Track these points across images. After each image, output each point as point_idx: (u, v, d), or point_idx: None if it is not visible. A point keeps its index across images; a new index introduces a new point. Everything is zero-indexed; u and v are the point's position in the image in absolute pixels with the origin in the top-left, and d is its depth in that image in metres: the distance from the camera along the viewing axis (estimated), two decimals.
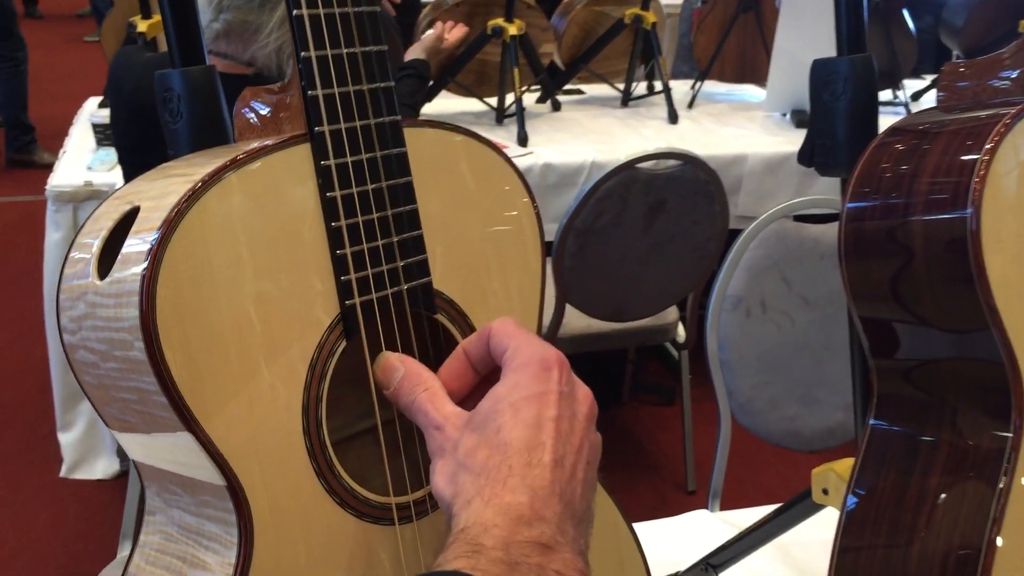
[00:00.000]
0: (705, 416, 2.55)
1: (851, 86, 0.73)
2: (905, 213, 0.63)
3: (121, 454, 2.37)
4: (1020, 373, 0.60)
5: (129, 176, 1.81)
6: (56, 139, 2.91)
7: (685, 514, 1.21)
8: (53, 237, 2.16)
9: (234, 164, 0.48)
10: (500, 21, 2.42)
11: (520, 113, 2.44)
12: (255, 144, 0.50)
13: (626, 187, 1.97)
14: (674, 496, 2.40)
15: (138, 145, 1.72)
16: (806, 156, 0.79)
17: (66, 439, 2.32)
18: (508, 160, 0.61)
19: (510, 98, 2.53)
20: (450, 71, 2.50)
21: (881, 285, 0.65)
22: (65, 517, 2.25)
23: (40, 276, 2.19)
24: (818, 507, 0.88)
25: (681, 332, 2.33)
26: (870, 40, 0.76)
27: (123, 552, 1.59)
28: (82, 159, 2.35)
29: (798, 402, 1.71)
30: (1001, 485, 0.59)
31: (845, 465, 0.83)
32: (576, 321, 2.18)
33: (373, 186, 0.53)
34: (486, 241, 0.59)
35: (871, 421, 0.66)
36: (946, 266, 0.61)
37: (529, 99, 2.74)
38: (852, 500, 0.68)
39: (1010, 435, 0.60)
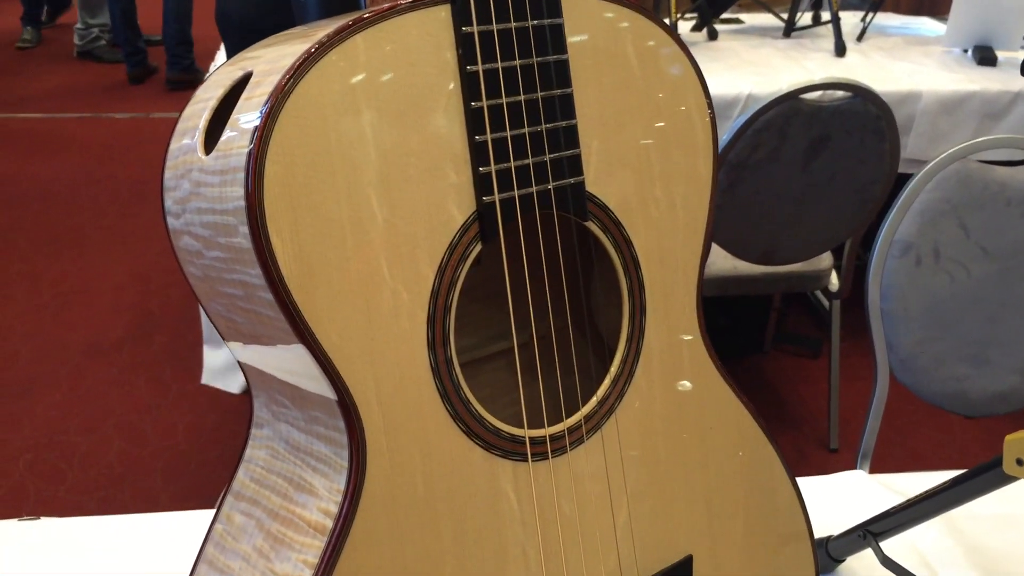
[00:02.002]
0: (852, 371, 2.40)
1: None
2: None
3: None
4: None
5: None
6: (209, 58, 2.96)
7: (839, 473, 1.10)
8: None
9: (360, 24, 0.41)
10: None
11: None
12: (387, 4, 0.42)
13: (787, 119, 1.82)
14: (815, 452, 2.27)
15: None
16: None
17: (210, 348, 2.37)
18: (684, 49, 0.51)
19: None
20: None
21: None
22: (204, 425, 2.31)
23: None
24: (1009, 479, 0.76)
25: (834, 280, 2.19)
26: None
27: None
28: None
29: (967, 362, 1.56)
30: None
31: None
32: (721, 262, 2.06)
33: (522, 62, 0.44)
34: (650, 140, 0.50)
35: None
36: None
37: (684, 27, 2.60)
38: None
39: None
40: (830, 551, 0.93)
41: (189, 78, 4.49)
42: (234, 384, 2.40)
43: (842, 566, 0.95)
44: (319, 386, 0.41)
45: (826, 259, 2.14)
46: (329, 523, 0.41)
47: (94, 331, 2.63)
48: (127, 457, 2.14)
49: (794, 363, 2.62)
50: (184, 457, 2.18)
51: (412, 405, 0.43)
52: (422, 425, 0.43)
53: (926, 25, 2.76)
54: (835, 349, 2.25)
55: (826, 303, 2.26)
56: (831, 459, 2.24)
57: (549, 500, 0.47)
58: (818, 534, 0.93)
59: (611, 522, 0.50)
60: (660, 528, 0.53)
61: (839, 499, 1.05)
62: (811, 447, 2.28)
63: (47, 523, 0.89)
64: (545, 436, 0.47)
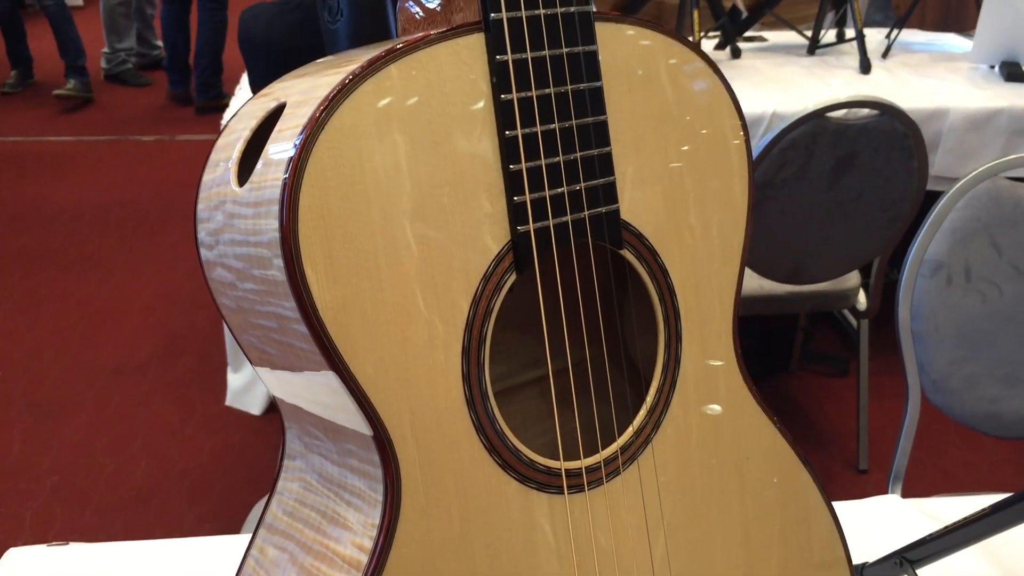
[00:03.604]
0: (880, 391, 2.37)
1: None
2: None
3: None
4: None
5: None
6: (235, 81, 2.98)
7: (872, 498, 1.08)
8: None
9: (393, 54, 0.40)
10: None
11: None
12: (420, 34, 0.42)
13: (813, 138, 1.81)
14: (843, 473, 2.25)
15: None
16: None
17: (233, 372, 2.38)
18: (718, 72, 0.50)
19: None
20: (626, 11, 2.38)
21: None
22: (229, 446, 2.32)
23: None
24: None
25: (862, 299, 2.17)
26: None
27: None
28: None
29: (1001, 382, 1.53)
30: None
31: None
32: (748, 281, 2.05)
33: (556, 90, 0.44)
34: (685, 166, 0.49)
35: None
36: None
37: (708, 45, 2.59)
38: None
39: None
40: None
41: (218, 104, 4.53)
42: (255, 406, 2.40)
43: None
44: (353, 419, 0.41)
45: (853, 278, 2.12)
46: (363, 558, 0.41)
47: (120, 352, 2.65)
48: (153, 478, 2.15)
49: (821, 383, 2.59)
50: (209, 478, 2.18)
51: (447, 438, 0.42)
52: (457, 458, 0.43)
53: (952, 41, 2.75)
54: (863, 368, 2.23)
55: (854, 322, 2.24)
56: (860, 480, 2.21)
57: (585, 533, 0.46)
58: (854, 560, 0.92)
59: (648, 555, 0.49)
60: (698, 560, 0.52)
61: (873, 524, 1.04)
62: (840, 468, 2.25)
63: (76, 548, 0.89)
64: (581, 468, 0.46)
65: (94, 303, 2.92)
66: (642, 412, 0.49)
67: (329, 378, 0.40)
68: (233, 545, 0.95)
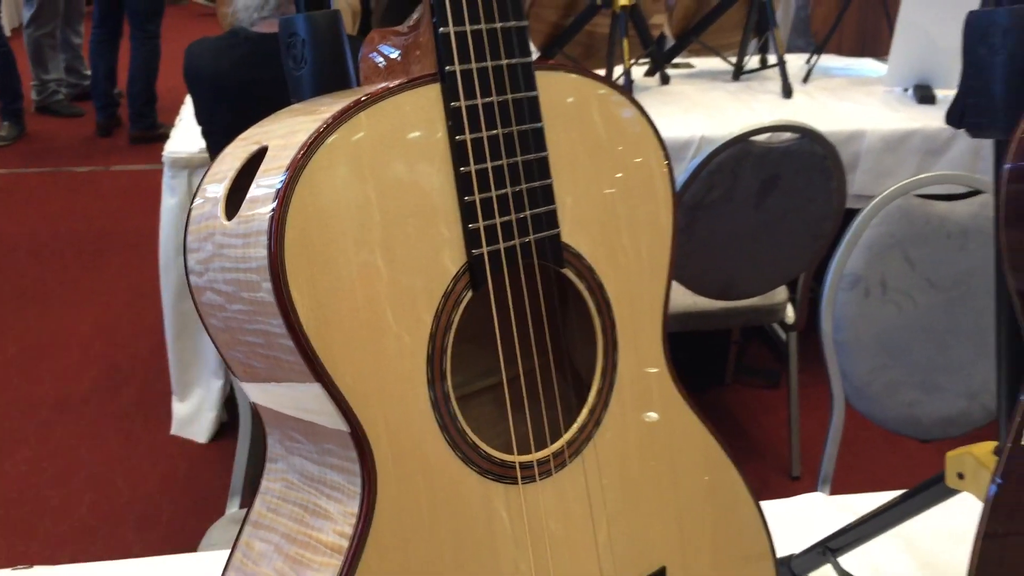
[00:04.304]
0: (811, 401, 2.48)
1: (1011, 38, 0.67)
2: None
3: (227, 413, 2.44)
4: None
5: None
6: (172, 111, 2.99)
7: (799, 496, 1.16)
8: (169, 202, 2.22)
9: (363, 103, 0.47)
10: None
11: (628, 86, 2.39)
12: (383, 84, 0.48)
13: (738, 161, 1.91)
14: (778, 480, 2.34)
15: (227, 124, 1.76)
16: (955, 116, 0.73)
17: (178, 400, 2.39)
18: (642, 110, 0.58)
19: (618, 71, 2.48)
20: (558, 42, 2.46)
21: None
22: (175, 474, 2.32)
23: (157, 241, 2.26)
24: (951, 492, 0.83)
25: (790, 313, 2.26)
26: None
27: (231, 509, 1.62)
28: (198, 126, 2.40)
29: (918, 388, 1.63)
30: None
31: (984, 448, 0.78)
32: (682, 298, 2.13)
33: (503, 130, 0.50)
34: (616, 194, 0.56)
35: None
36: None
37: (637, 72, 2.69)
38: (998, 481, 0.63)
39: None
40: (793, 569, 0.99)
41: (152, 134, 4.51)
42: (201, 434, 2.42)
43: None
44: (333, 421, 0.46)
45: (781, 293, 2.22)
46: (344, 543, 0.47)
47: (62, 385, 2.64)
48: (99, 509, 2.15)
49: (755, 394, 2.69)
50: (156, 508, 2.18)
51: (415, 436, 0.48)
52: (424, 453, 0.49)
53: (868, 66, 2.88)
54: (793, 379, 2.33)
55: (783, 335, 2.34)
56: (793, 486, 2.30)
57: (537, 519, 0.53)
58: (781, 553, 0.99)
59: (593, 537, 0.55)
60: (636, 542, 0.58)
61: (801, 520, 1.11)
62: (774, 475, 2.34)
63: (40, 572, 0.92)
64: (532, 461, 0.53)
65: (33, 337, 2.90)
66: (584, 411, 0.56)
67: (312, 385, 0.45)
68: (198, 563, 0.99)
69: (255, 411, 1.59)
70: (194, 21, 7.33)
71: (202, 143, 2.22)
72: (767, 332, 2.66)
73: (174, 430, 2.39)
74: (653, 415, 0.60)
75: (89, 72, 5.06)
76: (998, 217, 0.61)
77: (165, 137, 2.59)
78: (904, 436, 1.67)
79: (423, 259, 0.48)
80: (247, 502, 1.62)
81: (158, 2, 4.39)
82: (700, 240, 1.99)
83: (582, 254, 0.55)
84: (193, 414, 2.45)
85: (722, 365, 2.73)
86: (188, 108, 2.56)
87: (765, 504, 1.14)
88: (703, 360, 2.78)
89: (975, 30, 0.70)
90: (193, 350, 2.39)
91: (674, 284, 2.01)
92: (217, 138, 1.83)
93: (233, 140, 0.52)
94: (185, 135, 2.31)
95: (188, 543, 2.05)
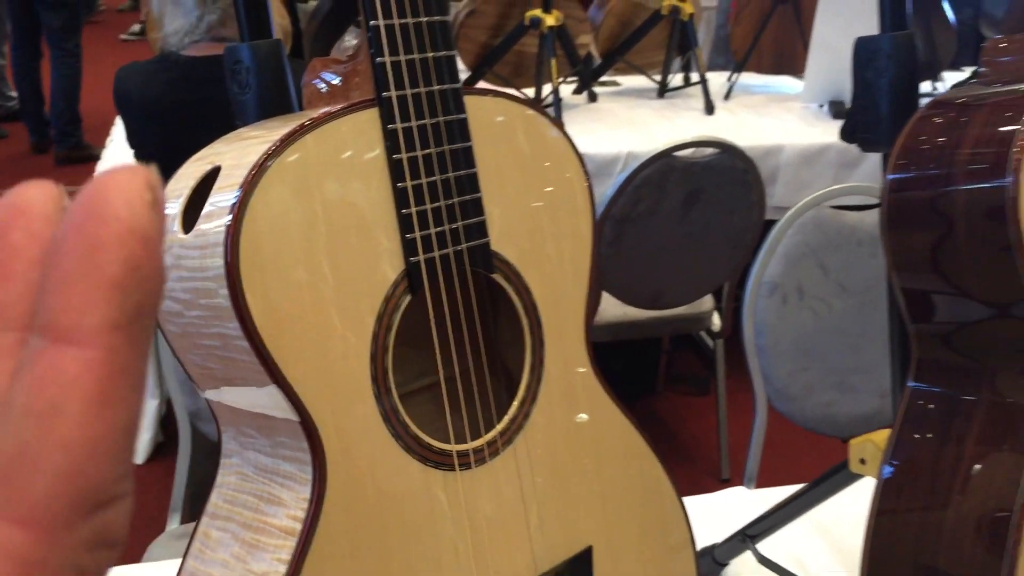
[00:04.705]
0: (739, 406, 2.57)
1: (893, 63, 0.75)
2: (946, 183, 0.65)
3: (163, 433, 2.44)
4: None
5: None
6: (101, 131, 2.98)
7: (723, 490, 1.23)
8: None
9: (309, 126, 0.51)
10: (538, 12, 2.45)
11: (557, 104, 2.46)
12: (326, 108, 0.53)
13: (663, 175, 1.98)
14: (708, 484, 2.41)
15: (159, 147, 1.78)
16: (848, 132, 0.81)
17: None
18: (561, 129, 0.63)
19: (547, 89, 2.55)
20: (488, 62, 2.53)
21: (922, 254, 0.67)
22: None
23: None
24: (855, 477, 0.90)
25: (716, 321, 2.35)
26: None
27: (172, 525, 1.63)
28: (128, 149, 2.41)
29: (834, 388, 1.72)
30: None
31: (882, 436, 0.85)
32: (613, 309, 2.20)
33: (436, 150, 0.56)
34: (540, 206, 0.62)
35: (910, 383, 0.68)
36: (986, 234, 0.63)
37: (566, 90, 2.75)
38: (890, 464, 0.70)
39: None
40: (716, 557, 1.05)
41: (79, 154, 4.45)
42: (137, 455, 2.41)
43: (727, 570, 1.07)
44: (285, 414, 0.51)
45: (708, 302, 2.31)
46: (298, 526, 0.51)
47: None
48: None
49: (685, 402, 2.77)
50: None
51: (361, 427, 0.53)
52: (370, 443, 0.54)
53: (786, 83, 2.99)
54: (721, 385, 2.41)
55: (710, 343, 2.42)
56: (723, 488, 2.38)
57: (474, 502, 0.58)
58: (706, 543, 1.06)
59: (525, 519, 0.61)
60: (564, 524, 0.64)
61: (724, 513, 1.18)
62: (704, 478, 2.42)
63: None
64: (468, 450, 0.58)
65: None
66: (515, 404, 0.61)
67: (265, 381, 0.50)
68: (144, 572, 1.02)
69: (195, 427, 1.60)
70: (119, 46, 7.25)
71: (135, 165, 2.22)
72: (695, 340, 2.75)
73: None
74: (579, 409, 0.66)
75: (14, 93, 4.98)
76: (882, 222, 0.68)
77: (94, 158, 2.58)
78: (823, 435, 1.76)
79: (365, 267, 0.53)
80: (188, 518, 1.64)
81: (74, 18, 4.34)
82: (628, 252, 2.06)
83: (510, 261, 0.60)
84: None
85: (653, 374, 2.81)
86: (119, 130, 2.56)
87: (692, 499, 1.21)
88: (635, 369, 2.86)
89: (862, 55, 0.78)
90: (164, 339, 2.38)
91: (604, 295, 2.09)
92: (150, 161, 1.84)
93: (185, 161, 0.56)
94: (117, 157, 2.31)
95: (128, 561, 2.05)
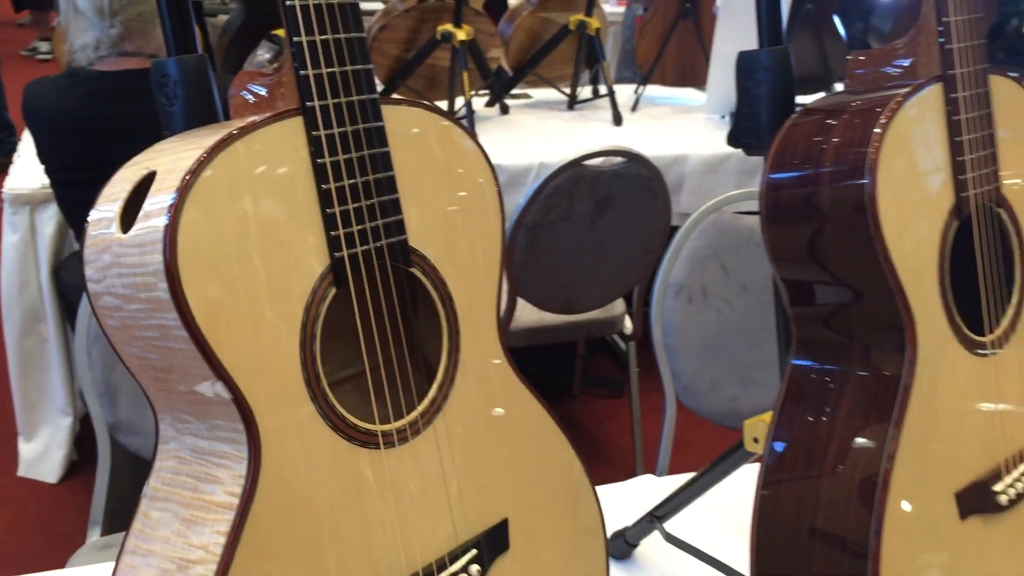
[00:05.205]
0: (652, 405, 2.65)
1: (771, 74, 0.83)
2: (815, 182, 0.73)
3: (77, 452, 2.41)
4: (913, 317, 0.71)
5: (64, 197, 1.86)
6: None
7: (633, 479, 1.30)
8: (10, 239, 2.19)
9: (238, 134, 0.56)
10: (449, 27, 2.51)
11: (469, 116, 2.52)
12: (254, 117, 0.58)
13: (574, 184, 2.06)
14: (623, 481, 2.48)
15: (71, 162, 1.78)
16: (733, 138, 0.89)
17: (25, 441, 2.35)
18: (472, 135, 0.69)
19: (459, 102, 2.61)
20: (401, 75, 2.58)
21: (796, 245, 0.75)
22: (25, 517, 2.27)
23: None
24: (749, 455, 0.97)
25: (628, 324, 2.43)
26: (802, 46, 0.86)
27: (92, 538, 1.63)
28: (38, 163, 2.38)
29: (737, 383, 1.81)
30: (895, 413, 0.69)
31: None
32: (528, 314, 2.27)
33: (357, 154, 0.61)
34: (454, 206, 0.68)
35: (792, 360, 0.76)
36: (850, 227, 0.71)
37: (478, 103, 2.81)
38: (774, 437, 0.78)
39: (904, 368, 0.70)
40: (627, 538, 1.12)
41: (9, 161, 4.37)
42: (51, 473, 2.38)
43: (637, 550, 1.14)
44: (221, 396, 0.55)
45: (619, 306, 2.39)
46: (235, 501, 0.55)
47: None
48: None
49: (601, 404, 2.85)
50: (7, 551, 2.14)
51: (292, 408, 0.58)
52: (300, 423, 0.58)
53: (690, 95, 3.11)
54: (634, 386, 2.49)
55: (623, 345, 2.51)
56: None
57: (398, 478, 0.63)
58: (618, 527, 1.12)
59: (445, 493, 0.66)
60: (481, 498, 0.69)
61: (635, 499, 1.25)
62: (621, 477, 2.50)
63: None
64: (392, 430, 0.63)
65: None
66: (433, 388, 0.67)
67: (203, 367, 0.54)
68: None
69: (115, 441, 1.60)
70: (26, 64, 7.06)
71: (43, 179, 2.21)
72: (609, 344, 2.83)
73: (21, 472, 2.35)
74: (494, 393, 0.71)
75: None
76: (761, 218, 0.76)
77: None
78: (729, 428, 1.84)
79: (294, 261, 0.58)
80: (109, 531, 1.64)
81: None
82: (542, 258, 2.13)
83: (427, 256, 0.66)
84: (41, 454, 2.41)
85: (570, 378, 2.88)
86: (25, 144, 2.52)
87: (605, 488, 1.28)
88: (552, 374, 2.92)
89: (744, 67, 0.85)
90: (39, 389, 2.35)
91: (520, 300, 2.15)
92: (62, 175, 1.83)
93: (100, 174, 0.60)
94: (24, 172, 2.28)
95: None
